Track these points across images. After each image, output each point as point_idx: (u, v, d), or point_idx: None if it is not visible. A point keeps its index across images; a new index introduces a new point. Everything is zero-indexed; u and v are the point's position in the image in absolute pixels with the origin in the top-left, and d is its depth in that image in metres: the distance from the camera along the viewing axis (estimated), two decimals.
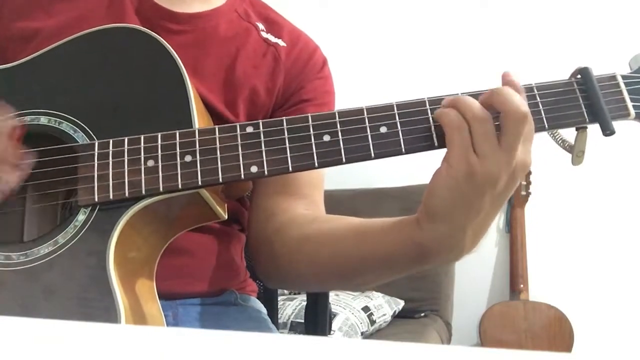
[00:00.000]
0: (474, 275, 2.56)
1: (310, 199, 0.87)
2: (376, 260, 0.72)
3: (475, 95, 0.65)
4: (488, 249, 2.59)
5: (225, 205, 0.74)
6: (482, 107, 0.62)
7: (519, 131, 0.61)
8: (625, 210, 2.45)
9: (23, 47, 0.80)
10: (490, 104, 0.63)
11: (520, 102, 0.62)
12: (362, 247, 0.73)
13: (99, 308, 0.60)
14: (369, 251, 0.72)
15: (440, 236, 0.65)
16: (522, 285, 2.45)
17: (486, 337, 2.36)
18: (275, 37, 0.91)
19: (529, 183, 2.51)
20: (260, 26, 0.91)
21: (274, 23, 0.93)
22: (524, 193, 2.52)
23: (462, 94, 0.66)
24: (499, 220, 2.59)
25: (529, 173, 2.50)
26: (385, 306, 2.20)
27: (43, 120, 0.70)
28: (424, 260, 0.68)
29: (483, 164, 0.61)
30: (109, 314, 0.59)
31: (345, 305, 2.09)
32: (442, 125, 0.63)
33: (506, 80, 0.65)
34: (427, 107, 0.66)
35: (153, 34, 0.74)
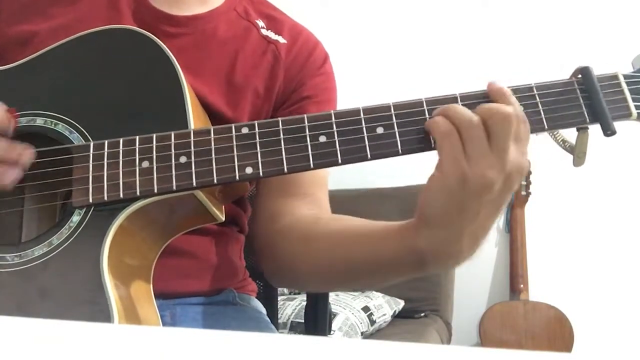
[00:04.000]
0: (474, 275, 2.56)
1: (314, 198, 0.86)
2: (377, 265, 0.72)
3: (472, 96, 0.65)
4: (488, 249, 2.59)
5: (223, 207, 0.74)
6: (470, 112, 0.62)
7: (505, 132, 0.61)
8: (625, 210, 2.45)
9: (20, 50, 0.80)
10: (478, 112, 0.63)
11: (501, 104, 0.62)
12: (363, 251, 0.73)
13: (92, 310, 0.60)
14: (370, 256, 0.72)
15: (438, 242, 0.65)
16: (522, 285, 2.45)
17: (486, 337, 2.36)
18: (276, 34, 0.90)
19: (529, 183, 2.51)
20: (260, 23, 0.91)
21: (275, 20, 0.93)
22: (524, 193, 2.52)
23: (460, 94, 0.65)
24: (499, 220, 2.58)
25: (529, 173, 2.50)
26: (385, 306, 2.20)
27: (39, 121, 0.70)
28: (423, 266, 0.68)
29: (474, 167, 0.61)
30: (102, 316, 0.59)
31: (345, 305, 2.09)
32: (432, 134, 0.63)
33: (490, 89, 0.65)
34: (425, 107, 0.65)
35: (149, 34, 0.73)
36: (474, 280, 2.56)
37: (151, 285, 0.70)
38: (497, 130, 0.61)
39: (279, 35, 0.91)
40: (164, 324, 0.74)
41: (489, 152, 0.61)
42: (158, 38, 0.73)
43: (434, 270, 0.69)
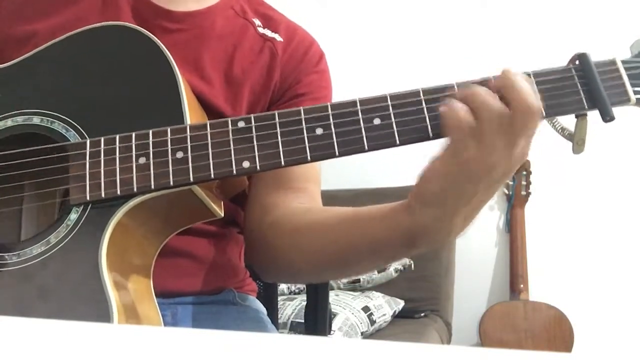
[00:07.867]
0: (474, 275, 2.56)
1: (306, 192, 0.87)
2: (367, 247, 0.72)
3: (470, 85, 0.64)
4: (488, 249, 2.59)
5: (221, 202, 0.74)
6: (501, 102, 0.61)
7: (527, 127, 0.61)
8: (625, 210, 2.45)
9: (20, 49, 0.80)
10: (499, 90, 0.62)
11: (535, 100, 0.61)
12: (353, 233, 0.73)
13: (92, 307, 0.60)
14: (359, 237, 0.73)
15: (430, 220, 0.65)
16: (522, 285, 2.45)
17: (486, 337, 2.36)
18: (272, 32, 0.91)
19: (529, 183, 2.51)
20: (257, 22, 0.91)
21: (271, 19, 0.93)
22: (524, 193, 2.52)
23: (456, 82, 0.65)
24: (499, 220, 2.58)
25: (529, 173, 2.50)
26: (385, 306, 2.20)
27: (35, 120, 0.70)
28: (412, 244, 0.69)
29: (488, 154, 0.60)
30: (101, 314, 0.59)
31: (345, 305, 2.09)
32: (446, 121, 0.62)
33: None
34: (422, 97, 0.64)
35: (144, 31, 0.73)
36: (474, 280, 2.56)
37: (151, 282, 0.70)
38: (519, 124, 0.60)
39: (275, 33, 0.91)
40: (165, 324, 0.74)
41: (501, 142, 0.61)
42: (156, 33, 0.73)
43: (423, 249, 0.69)
